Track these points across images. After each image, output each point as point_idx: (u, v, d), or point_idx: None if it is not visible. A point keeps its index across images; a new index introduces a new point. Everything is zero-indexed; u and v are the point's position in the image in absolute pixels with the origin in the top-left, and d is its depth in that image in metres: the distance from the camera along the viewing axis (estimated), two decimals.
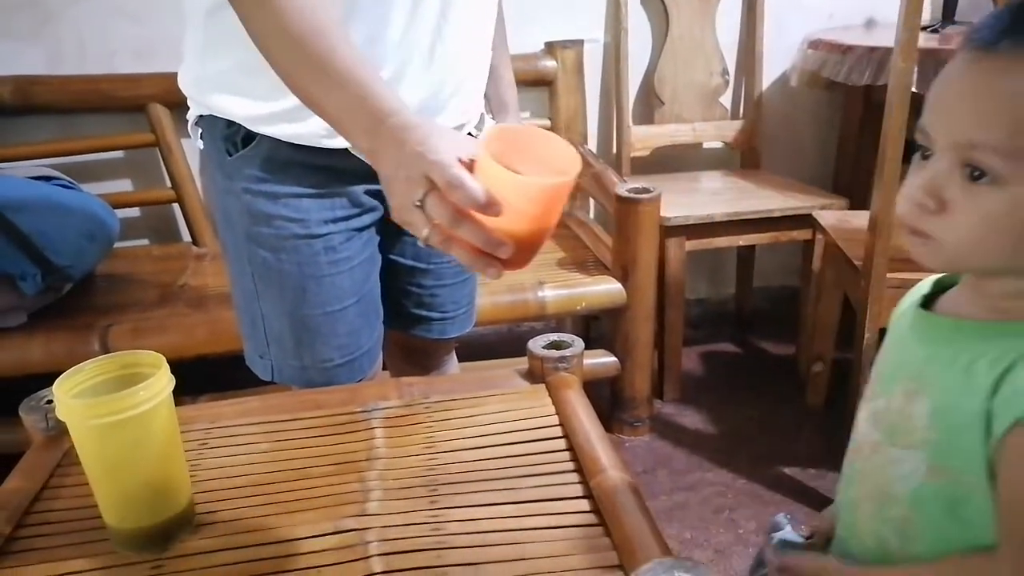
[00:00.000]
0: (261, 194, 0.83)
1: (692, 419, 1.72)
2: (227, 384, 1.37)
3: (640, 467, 1.55)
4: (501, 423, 0.88)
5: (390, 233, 0.95)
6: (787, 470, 1.52)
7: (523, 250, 0.62)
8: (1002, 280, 0.55)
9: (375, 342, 0.97)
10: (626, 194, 1.47)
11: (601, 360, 1.60)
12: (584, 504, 0.73)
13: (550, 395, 0.92)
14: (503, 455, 0.82)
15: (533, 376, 0.97)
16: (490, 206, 0.57)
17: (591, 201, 1.98)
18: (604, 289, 1.53)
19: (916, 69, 1.40)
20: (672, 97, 1.95)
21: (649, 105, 1.98)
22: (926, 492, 0.56)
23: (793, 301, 1.96)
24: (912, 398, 0.58)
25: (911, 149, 1.77)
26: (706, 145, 2.06)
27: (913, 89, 1.41)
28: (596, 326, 2.05)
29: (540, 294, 1.50)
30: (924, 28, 1.72)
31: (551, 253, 1.71)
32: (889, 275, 1.22)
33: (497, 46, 0.95)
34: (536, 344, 0.98)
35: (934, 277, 0.66)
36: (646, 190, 1.49)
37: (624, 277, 1.52)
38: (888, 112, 1.14)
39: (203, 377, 1.40)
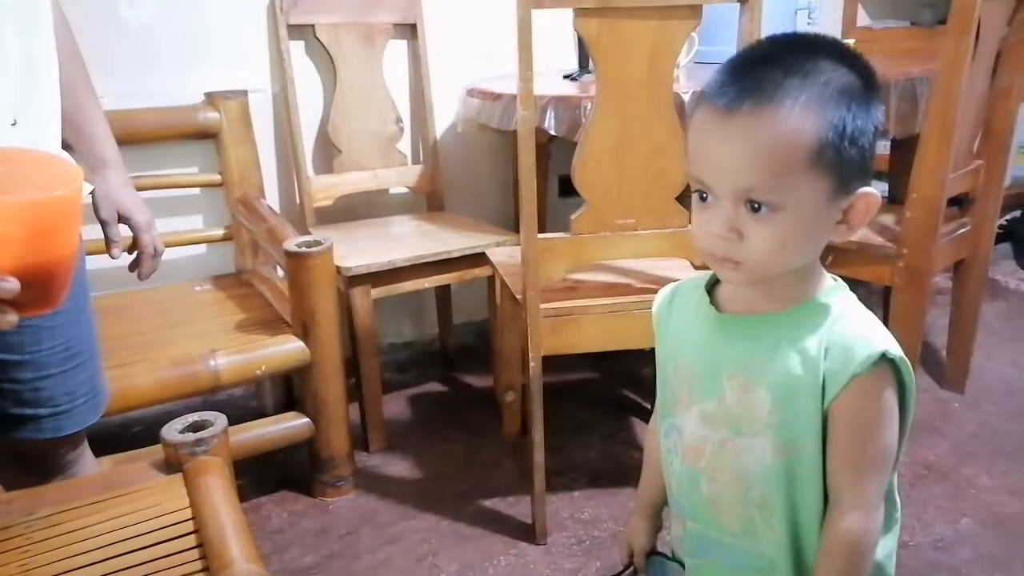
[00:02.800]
0: None
1: (399, 467, 1.70)
2: None
3: (344, 529, 1.49)
4: (122, 528, 0.78)
5: None
6: (487, 503, 1.55)
7: (35, 286, 0.53)
8: (781, 277, 0.66)
9: None
10: (295, 249, 1.42)
11: (292, 424, 1.52)
12: None
13: (186, 485, 0.84)
14: (118, 568, 0.72)
15: (169, 466, 0.88)
16: None
17: None
18: (285, 349, 1.46)
19: (552, 113, 1.55)
20: (349, 145, 1.94)
21: (328, 154, 1.96)
22: (774, 468, 0.68)
23: (491, 334, 2.05)
24: (749, 390, 0.68)
25: (564, 186, 1.90)
26: (392, 191, 2.09)
27: (552, 132, 1.55)
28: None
29: (212, 363, 1.39)
30: (566, 76, 1.92)
31: (229, 316, 1.61)
32: (543, 306, 1.30)
33: (80, 97, 0.85)
34: (171, 429, 0.89)
35: (681, 282, 0.79)
36: (317, 243, 1.45)
37: (305, 334, 1.46)
38: (520, 155, 1.23)
39: None
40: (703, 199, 0.65)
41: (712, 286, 0.74)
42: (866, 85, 0.62)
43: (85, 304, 0.93)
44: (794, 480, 0.67)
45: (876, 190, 0.64)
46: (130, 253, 1.00)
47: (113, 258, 0.97)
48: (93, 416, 0.95)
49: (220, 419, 0.90)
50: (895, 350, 0.63)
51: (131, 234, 1.00)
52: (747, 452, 0.68)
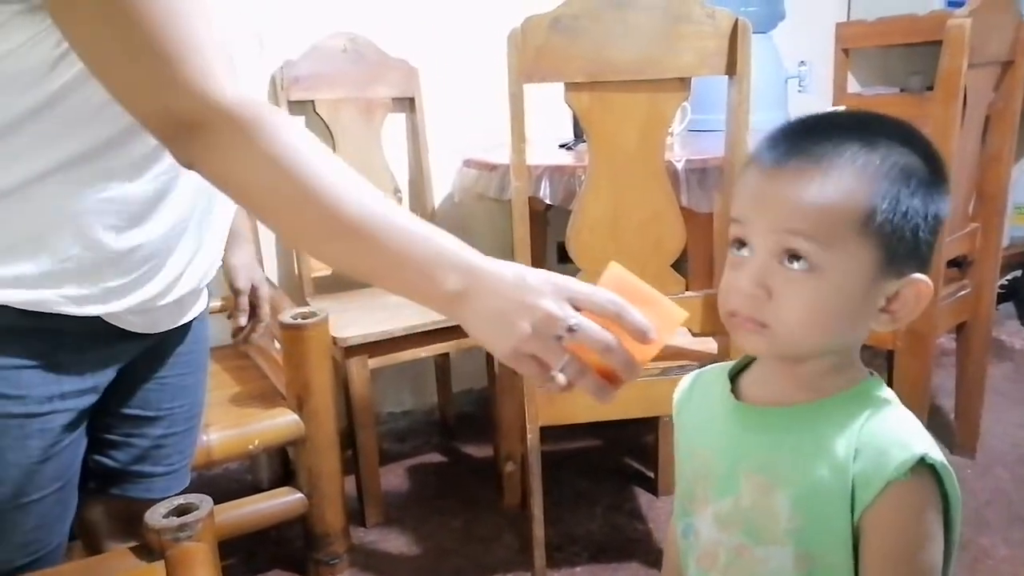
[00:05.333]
0: None
1: (396, 543, 1.65)
2: None
3: None
4: None
5: (121, 379, 0.84)
6: None
7: (617, 383, 0.63)
8: (814, 361, 0.61)
9: (66, 534, 0.83)
10: (290, 320, 1.42)
11: (285, 499, 1.48)
12: None
13: (168, 574, 0.81)
14: None
15: (151, 553, 0.85)
16: (649, 332, 0.58)
17: None
18: (279, 423, 1.44)
19: (547, 183, 1.56)
20: None
21: None
22: None
23: (491, 403, 2.02)
24: (768, 492, 0.61)
25: (562, 252, 1.88)
26: None
27: (548, 201, 1.56)
28: None
29: (204, 439, 1.36)
30: (562, 145, 1.94)
31: (224, 389, 1.59)
32: None
33: None
34: (154, 513, 0.87)
35: (704, 369, 0.72)
36: (312, 314, 1.44)
37: (300, 407, 1.44)
38: (514, 225, 1.23)
39: None
40: (739, 250, 0.60)
41: (737, 374, 0.68)
42: (931, 171, 0.58)
43: (207, 368, 0.99)
44: None
45: (928, 279, 0.58)
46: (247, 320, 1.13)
47: (240, 325, 1.11)
48: (188, 480, 0.98)
49: (205, 502, 0.87)
50: (936, 454, 0.56)
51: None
52: (764, 563, 0.61)
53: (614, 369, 0.59)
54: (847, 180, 0.56)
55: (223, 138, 0.59)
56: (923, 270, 0.59)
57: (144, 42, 0.56)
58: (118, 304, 0.75)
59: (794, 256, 0.56)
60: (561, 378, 0.60)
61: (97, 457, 0.91)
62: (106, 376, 0.82)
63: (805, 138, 0.58)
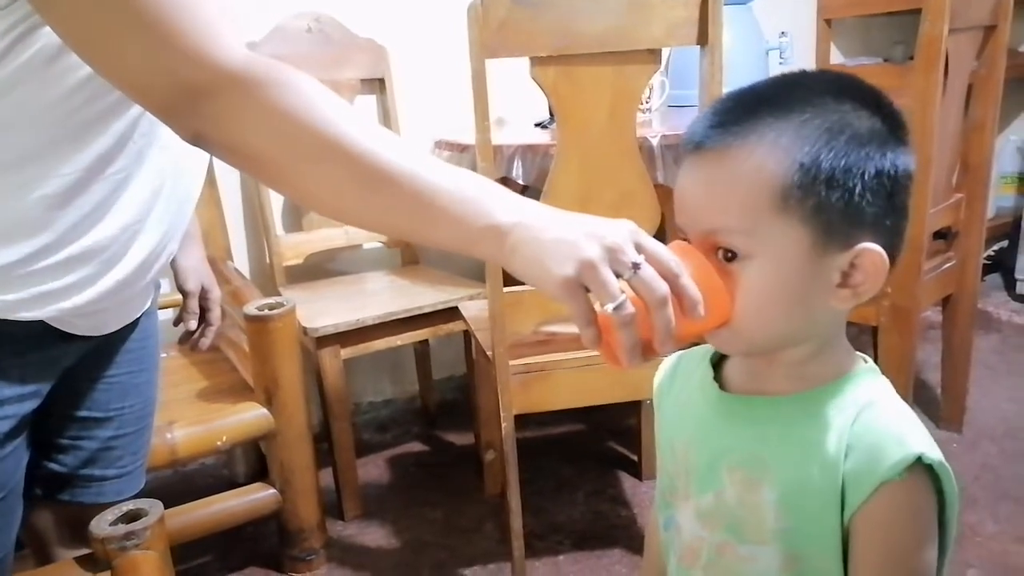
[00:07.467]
0: None
1: (374, 536, 1.62)
2: None
3: None
4: None
5: (66, 381, 0.80)
6: (467, 572, 1.47)
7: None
8: (792, 350, 0.57)
9: (11, 545, 0.79)
10: (255, 312, 1.37)
11: (257, 496, 1.44)
12: None
13: None
14: None
15: (97, 563, 0.81)
16: (699, 305, 0.53)
17: None
18: (247, 417, 1.39)
19: (520, 163, 1.51)
20: None
21: (297, 212, 1.92)
22: None
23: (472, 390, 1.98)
24: (752, 488, 0.57)
25: None
26: (366, 246, 2.05)
27: (520, 181, 1.51)
28: None
29: (169, 436, 1.31)
30: (537, 124, 1.89)
31: (192, 384, 1.54)
32: (512, 362, 1.24)
33: None
34: (101, 521, 0.83)
35: (686, 352, 0.68)
36: (279, 305, 1.40)
37: (268, 400, 1.40)
38: None
39: None
40: None
41: (719, 359, 0.64)
42: (880, 124, 0.53)
43: (159, 365, 0.96)
44: None
45: (877, 246, 0.53)
46: (198, 325, 1.04)
47: (190, 329, 1.02)
48: (142, 482, 0.95)
49: (155, 507, 0.83)
50: (933, 453, 0.52)
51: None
52: (750, 562, 0.58)
53: (655, 331, 0.53)
54: (756, 160, 0.53)
55: (236, 101, 0.55)
56: (884, 237, 0.54)
57: (140, 9, 0.51)
58: (62, 307, 0.71)
59: (725, 249, 0.54)
60: (609, 316, 0.54)
61: (44, 462, 0.87)
62: (49, 380, 0.78)
63: (724, 116, 0.55)
